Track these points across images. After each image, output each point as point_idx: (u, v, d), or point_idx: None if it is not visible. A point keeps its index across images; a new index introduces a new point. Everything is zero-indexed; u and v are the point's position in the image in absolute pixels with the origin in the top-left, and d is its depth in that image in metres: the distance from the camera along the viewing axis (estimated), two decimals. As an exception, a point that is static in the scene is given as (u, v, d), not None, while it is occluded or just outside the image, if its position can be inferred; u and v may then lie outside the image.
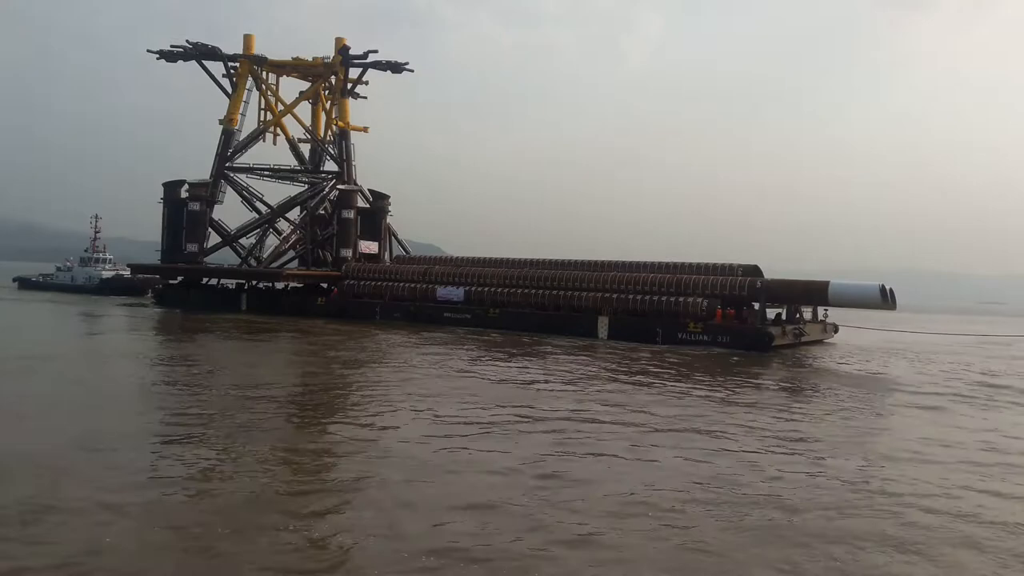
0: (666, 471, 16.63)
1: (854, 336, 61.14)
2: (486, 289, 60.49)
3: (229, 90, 75.90)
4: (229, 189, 75.61)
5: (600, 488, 14.93)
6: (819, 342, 57.91)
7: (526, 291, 58.92)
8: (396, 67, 75.03)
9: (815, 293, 52.07)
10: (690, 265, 57.83)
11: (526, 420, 21.71)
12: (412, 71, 75.54)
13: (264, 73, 76.25)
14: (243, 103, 75.64)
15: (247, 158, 76.06)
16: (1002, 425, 24.67)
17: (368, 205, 74.74)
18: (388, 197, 75.52)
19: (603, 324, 53.45)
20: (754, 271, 56.28)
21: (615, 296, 54.87)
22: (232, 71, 75.97)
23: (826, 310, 60.12)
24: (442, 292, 62.04)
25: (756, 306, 52.33)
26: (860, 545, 12.22)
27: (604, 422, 21.84)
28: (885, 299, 49.76)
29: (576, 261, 62.53)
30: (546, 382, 30.24)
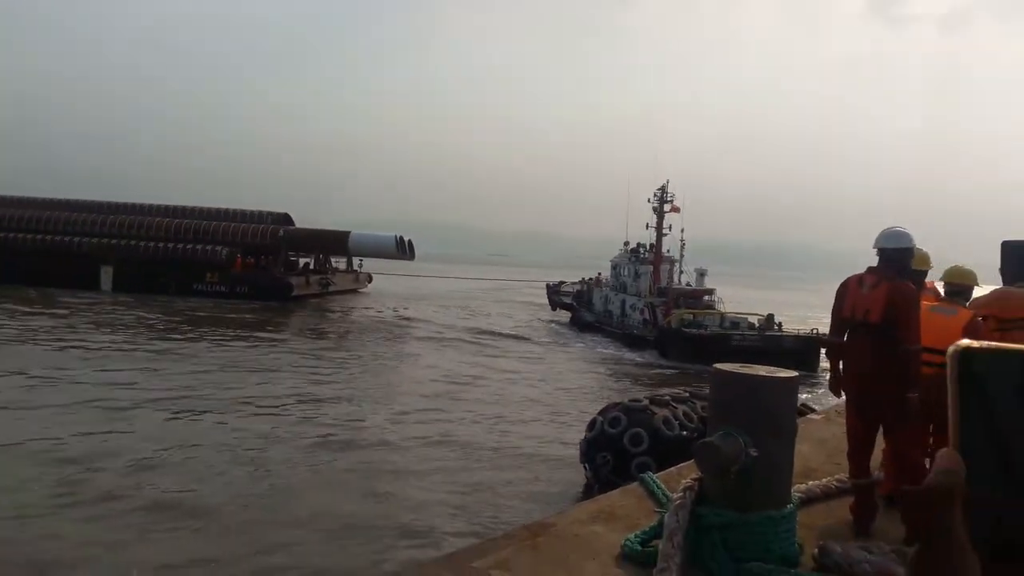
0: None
1: (387, 284, 63.46)
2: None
3: None
4: None
5: None
6: (353, 291, 59.03)
7: (12, 235, 49.51)
8: None
9: (336, 242, 52.61)
10: (214, 211, 54.01)
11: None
12: None
13: None
14: None
15: None
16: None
17: None
18: None
19: (107, 274, 47.49)
20: (285, 219, 54.73)
21: (123, 243, 49.02)
22: None
23: (360, 261, 61.25)
24: None
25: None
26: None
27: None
28: (402, 249, 52.28)
29: (78, 201, 54.89)
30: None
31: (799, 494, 4.82)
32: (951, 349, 2.67)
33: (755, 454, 3.95)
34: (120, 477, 11.67)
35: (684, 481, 4.39)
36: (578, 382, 25.77)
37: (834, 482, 5.26)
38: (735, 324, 33.63)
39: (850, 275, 5.16)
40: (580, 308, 46.56)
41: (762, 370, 4.22)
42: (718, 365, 4.33)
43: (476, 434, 15.80)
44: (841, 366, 5.14)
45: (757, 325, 33.50)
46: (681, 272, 40.16)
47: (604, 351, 35.38)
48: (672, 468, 5.92)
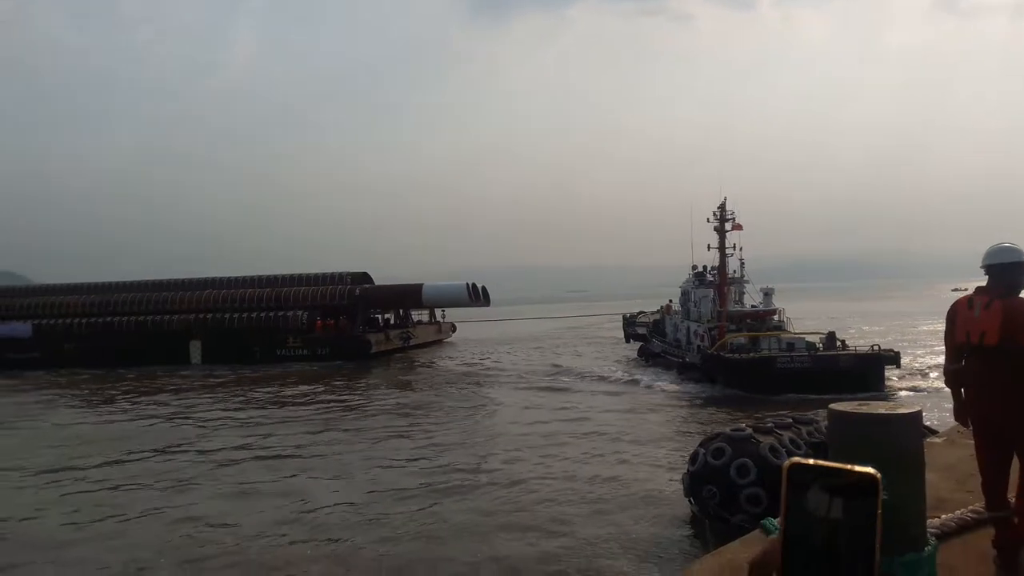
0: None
1: (471, 331, 63.64)
2: (60, 321, 52.96)
3: None
4: None
5: None
6: (437, 342, 59.58)
7: (108, 319, 52.45)
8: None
9: (410, 296, 53.38)
10: (293, 276, 55.60)
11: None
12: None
13: None
14: None
15: None
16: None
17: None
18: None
19: (195, 348, 49.35)
20: (363, 278, 55.87)
21: (209, 316, 50.99)
22: None
23: (443, 311, 61.71)
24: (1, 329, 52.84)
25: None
26: None
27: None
28: (475, 296, 52.70)
29: (166, 281, 57.30)
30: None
31: (933, 530, 4.58)
32: None
33: (886, 497, 3.78)
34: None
35: None
36: (618, 421, 24.07)
37: (969, 513, 4.98)
38: (791, 346, 30.72)
39: (958, 298, 4.94)
40: (653, 338, 44.44)
41: (882, 407, 4.05)
42: (833, 406, 4.16)
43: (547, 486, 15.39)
44: (963, 393, 4.89)
45: (818, 345, 31.04)
46: (743, 293, 37.93)
47: (659, 383, 33.08)
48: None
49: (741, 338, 32.08)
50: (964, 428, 5.10)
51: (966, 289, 5.46)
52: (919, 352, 37.63)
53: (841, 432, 4.15)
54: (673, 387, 32.11)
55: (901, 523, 3.93)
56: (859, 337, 40.67)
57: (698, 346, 35.50)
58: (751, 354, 30.07)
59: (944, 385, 5.12)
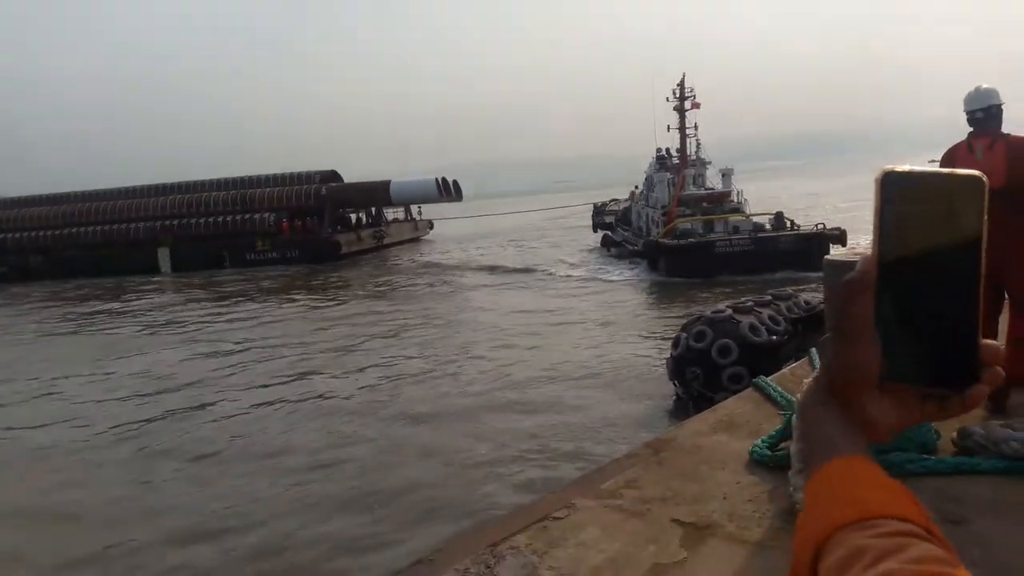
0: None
1: (451, 228, 62.84)
2: (25, 235, 51.76)
3: None
4: None
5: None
6: (415, 240, 59.04)
7: (74, 230, 51.32)
8: None
9: (379, 193, 52.45)
10: (260, 178, 54.24)
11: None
12: None
13: None
14: None
15: None
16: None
17: None
18: None
19: (164, 256, 48.57)
20: (332, 176, 54.65)
21: (176, 223, 50.06)
22: None
23: (419, 208, 60.99)
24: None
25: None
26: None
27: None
28: (445, 191, 52.00)
29: (131, 188, 55.61)
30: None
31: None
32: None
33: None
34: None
35: (806, 380, 4.27)
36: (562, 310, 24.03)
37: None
38: (736, 229, 29.76)
39: (955, 144, 4.88)
40: (618, 227, 43.22)
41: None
42: (829, 257, 4.17)
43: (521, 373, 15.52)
44: None
45: (767, 226, 29.95)
46: (703, 176, 36.37)
47: (609, 272, 32.69)
48: (784, 370, 5.80)
49: (688, 223, 31.09)
50: None
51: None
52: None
53: (834, 283, 4.15)
54: (619, 276, 31.40)
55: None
56: (835, 214, 40.64)
57: (648, 232, 34.59)
58: (689, 239, 29.14)
59: None
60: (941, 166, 4.91)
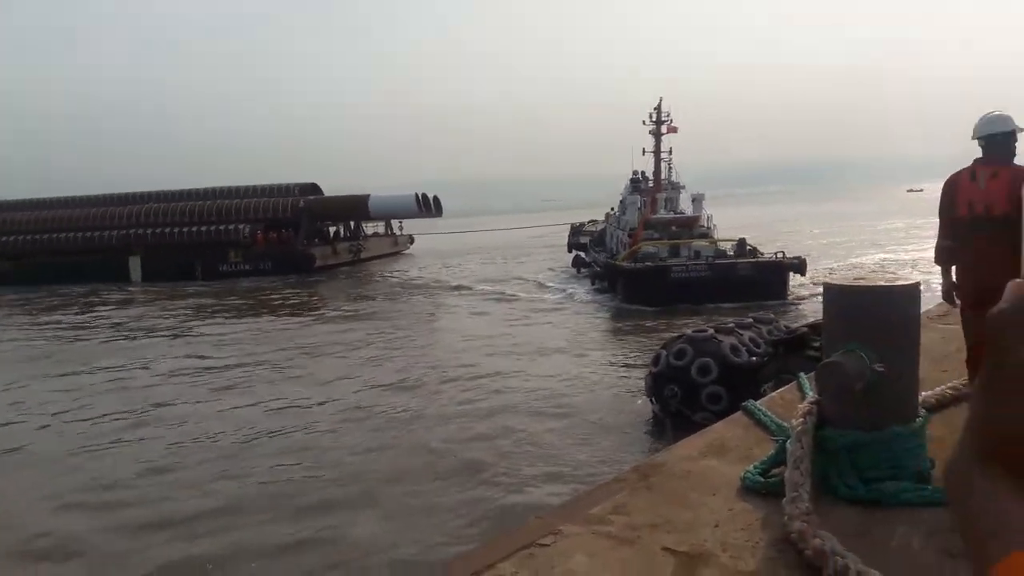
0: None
1: (432, 243, 61.84)
2: (-3, 239, 50.72)
3: None
4: None
5: None
6: (394, 255, 58.27)
7: (44, 237, 50.31)
8: None
9: (358, 207, 52.05)
10: (237, 188, 53.80)
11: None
12: None
13: None
14: None
15: None
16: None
17: None
18: None
19: (135, 265, 47.78)
20: (312, 189, 54.18)
21: (150, 232, 49.30)
22: None
23: (400, 223, 59.98)
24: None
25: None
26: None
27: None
28: (424, 207, 51.55)
29: (104, 196, 54.85)
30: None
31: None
32: None
33: (882, 369, 3.73)
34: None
35: (801, 406, 4.18)
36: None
37: (948, 390, 5.00)
38: (697, 254, 29.24)
39: (957, 172, 4.82)
40: (591, 248, 42.29)
41: (880, 280, 3.97)
42: (828, 280, 4.09)
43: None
44: (954, 273, 4.84)
45: (728, 252, 29.38)
46: (676, 200, 36.28)
47: (572, 292, 32.76)
48: (773, 394, 5.71)
49: (653, 247, 30.61)
50: (952, 307, 5.08)
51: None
52: (866, 251, 37.49)
53: (835, 307, 4.06)
54: (586, 298, 31.16)
55: (895, 395, 3.89)
56: (809, 239, 40.90)
57: (616, 254, 34.09)
58: (647, 263, 28.57)
59: (934, 263, 5.04)
60: (943, 193, 4.86)
